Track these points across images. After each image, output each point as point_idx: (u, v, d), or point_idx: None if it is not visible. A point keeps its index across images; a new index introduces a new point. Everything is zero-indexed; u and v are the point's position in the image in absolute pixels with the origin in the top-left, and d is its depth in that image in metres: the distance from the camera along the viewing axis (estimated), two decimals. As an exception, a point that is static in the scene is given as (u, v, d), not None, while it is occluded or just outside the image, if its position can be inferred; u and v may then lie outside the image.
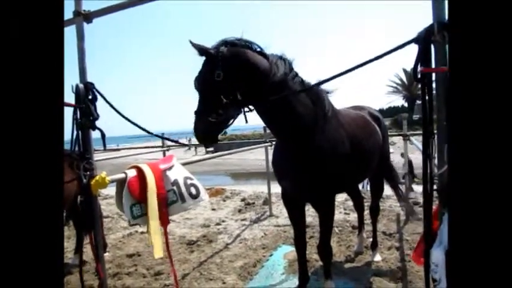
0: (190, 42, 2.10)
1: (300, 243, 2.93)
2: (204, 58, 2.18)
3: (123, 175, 2.20)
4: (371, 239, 3.93)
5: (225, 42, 2.20)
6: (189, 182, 2.56)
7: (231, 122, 2.23)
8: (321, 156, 2.38)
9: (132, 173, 2.24)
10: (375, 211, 3.89)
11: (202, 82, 2.17)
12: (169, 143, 8.29)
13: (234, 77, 2.13)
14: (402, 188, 4.32)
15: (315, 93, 2.44)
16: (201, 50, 2.14)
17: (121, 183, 2.21)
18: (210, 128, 2.15)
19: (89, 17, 2.18)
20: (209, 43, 2.21)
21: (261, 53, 2.30)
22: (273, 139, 5.41)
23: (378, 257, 3.74)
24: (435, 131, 1.47)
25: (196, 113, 2.18)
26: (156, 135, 2.94)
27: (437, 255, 1.48)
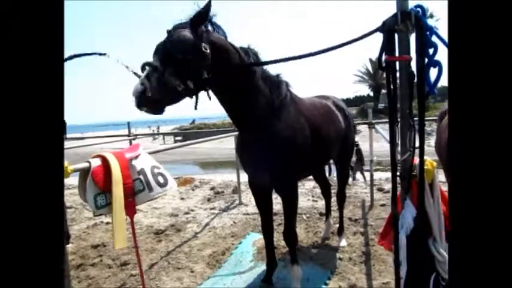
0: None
1: (267, 230, 2.97)
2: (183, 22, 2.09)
3: (86, 164, 2.12)
4: (337, 225, 4.03)
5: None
6: (156, 170, 2.51)
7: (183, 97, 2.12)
8: (279, 143, 2.42)
9: (96, 162, 2.16)
10: (341, 198, 3.99)
11: (185, 47, 1.98)
12: (136, 131, 8.09)
13: (217, 57, 2.12)
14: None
15: (273, 82, 2.51)
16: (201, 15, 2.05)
17: (84, 173, 2.13)
18: (173, 94, 1.99)
19: None
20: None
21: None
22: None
23: (343, 242, 3.86)
24: (399, 119, 1.51)
25: (155, 68, 1.91)
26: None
27: (400, 238, 1.54)
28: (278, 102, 2.46)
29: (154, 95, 1.86)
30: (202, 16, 2.06)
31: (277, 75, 2.57)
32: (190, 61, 1.99)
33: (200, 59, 2.02)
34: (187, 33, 2.01)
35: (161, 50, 1.99)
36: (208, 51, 2.04)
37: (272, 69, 2.58)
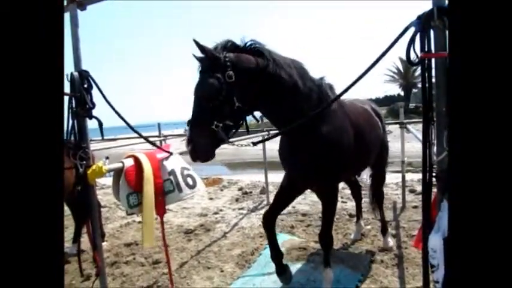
0: (195, 41, 1.94)
1: (269, 217, 2.84)
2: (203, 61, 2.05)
3: (120, 164, 2.19)
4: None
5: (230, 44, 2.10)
6: (185, 172, 2.56)
7: (234, 131, 2.15)
8: (327, 145, 2.38)
9: (129, 162, 2.23)
10: (380, 197, 3.91)
11: (208, 86, 1.96)
12: (165, 132, 8.26)
13: (244, 79, 2.04)
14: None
15: (320, 90, 2.44)
16: (205, 52, 1.98)
17: (118, 173, 2.20)
18: (217, 139, 2.02)
19: (82, 4, 2.15)
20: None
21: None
22: (270, 128, 5.39)
23: (391, 242, 3.75)
24: (435, 118, 1.46)
25: (194, 121, 1.99)
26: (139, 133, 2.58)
27: (436, 241, 1.48)
28: (328, 110, 2.39)
29: (201, 147, 2.01)
30: (218, 59, 1.98)
31: (321, 78, 2.52)
32: (223, 104, 1.98)
33: (224, 92, 1.97)
34: (210, 80, 1.96)
35: (195, 102, 2.02)
36: (232, 79, 1.97)
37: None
